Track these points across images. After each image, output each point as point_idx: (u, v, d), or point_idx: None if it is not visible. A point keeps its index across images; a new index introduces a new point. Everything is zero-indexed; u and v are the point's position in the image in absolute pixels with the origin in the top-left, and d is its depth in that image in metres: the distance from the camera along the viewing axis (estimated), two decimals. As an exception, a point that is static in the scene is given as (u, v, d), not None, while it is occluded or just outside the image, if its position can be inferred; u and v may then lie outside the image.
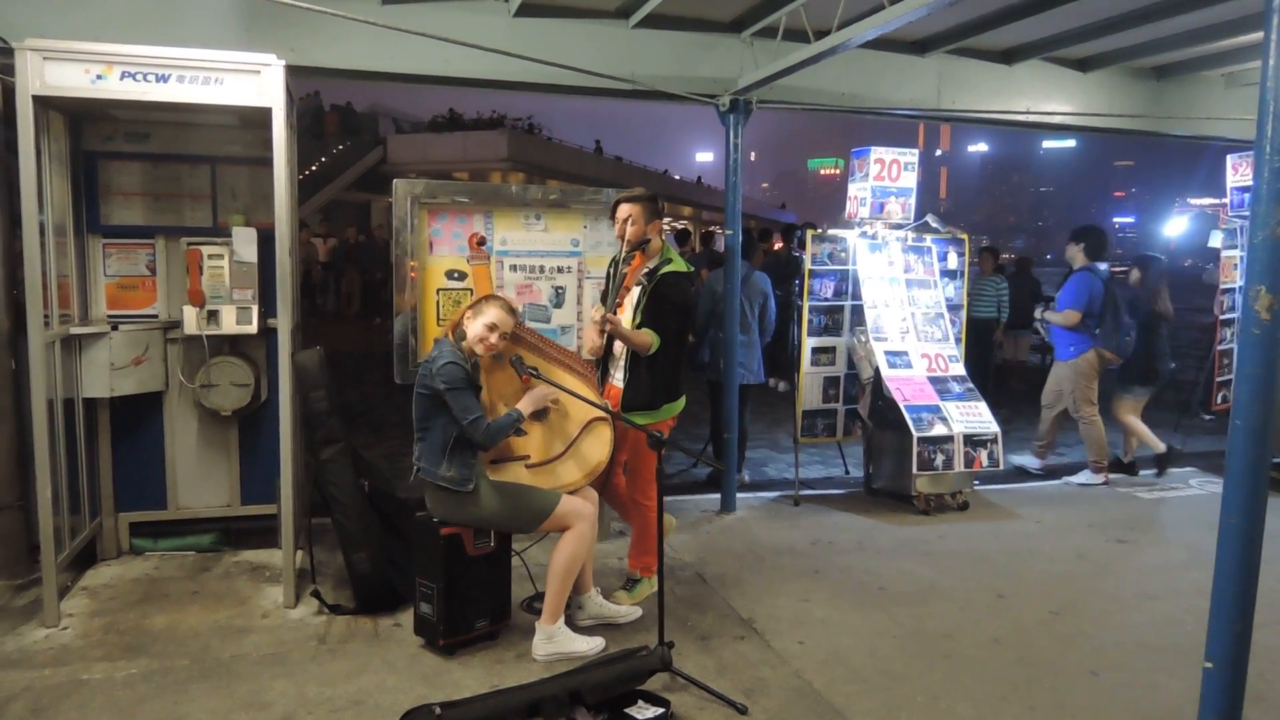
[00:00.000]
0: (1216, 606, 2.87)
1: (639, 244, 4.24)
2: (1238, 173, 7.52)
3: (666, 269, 4.28)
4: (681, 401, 4.43)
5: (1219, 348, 7.79)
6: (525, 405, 3.90)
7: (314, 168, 24.76)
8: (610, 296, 4.25)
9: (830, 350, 6.66)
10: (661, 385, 4.29)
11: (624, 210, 4.28)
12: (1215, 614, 2.88)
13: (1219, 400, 7.80)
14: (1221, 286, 7.72)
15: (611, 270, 4.50)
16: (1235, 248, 7.61)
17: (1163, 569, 5.17)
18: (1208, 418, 8.43)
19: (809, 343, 6.53)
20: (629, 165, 37.63)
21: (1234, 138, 7.65)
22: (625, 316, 4.30)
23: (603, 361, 4.48)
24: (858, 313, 6.57)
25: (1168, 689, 3.72)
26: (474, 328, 3.80)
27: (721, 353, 6.49)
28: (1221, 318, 7.74)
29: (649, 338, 4.19)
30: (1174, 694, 3.65)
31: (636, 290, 4.30)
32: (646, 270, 4.30)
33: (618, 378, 4.39)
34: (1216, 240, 7.76)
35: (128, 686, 3.54)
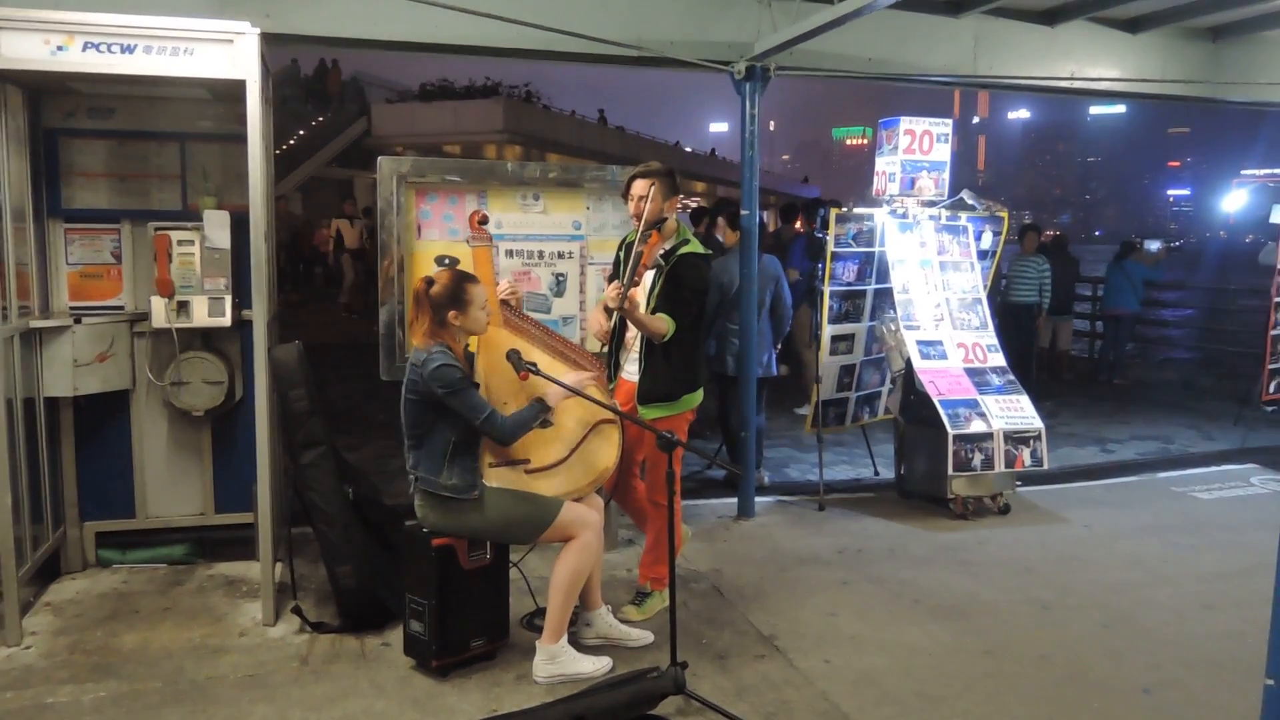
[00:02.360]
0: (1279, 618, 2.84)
1: (656, 223, 4.22)
2: (1303, 142, 7.46)
3: (684, 250, 4.27)
4: (700, 393, 4.45)
5: (1273, 333, 7.73)
6: (554, 395, 3.85)
7: (291, 142, 24.71)
8: (628, 276, 4.13)
9: (849, 338, 6.64)
10: (680, 375, 4.30)
11: (639, 186, 4.26)
12: (1278, 626, 2.85)
13: (1271, 389, 7.75)
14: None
15: (622, 253, 4.47)
16: (1299, 223, 7.57)
17: (1223, 576, 5.16)
18: (1269, 409, 8.39)
19: (828, 330, 6.50)
20: (636, 137, 37.53)
21: (1299, 104, 7.60)
22: (639, 300, 4.27)
23: (612, 352, 4.47)
24: (880, 297, 6.53)
25: (1228, 708, 3.71)
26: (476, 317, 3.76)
27: (727, 344, 6.47)
28: (1278, 300, 7.69)
29: (664, 324, 4.18)
30: (1235, 714, 3.64)
31: (651, 272, 4.29)
32: (663, 251, 4.29)
33: (630, 370, 4.39)
34: (1278, 215, 7.70)
35: (96, 711, 3.56)
